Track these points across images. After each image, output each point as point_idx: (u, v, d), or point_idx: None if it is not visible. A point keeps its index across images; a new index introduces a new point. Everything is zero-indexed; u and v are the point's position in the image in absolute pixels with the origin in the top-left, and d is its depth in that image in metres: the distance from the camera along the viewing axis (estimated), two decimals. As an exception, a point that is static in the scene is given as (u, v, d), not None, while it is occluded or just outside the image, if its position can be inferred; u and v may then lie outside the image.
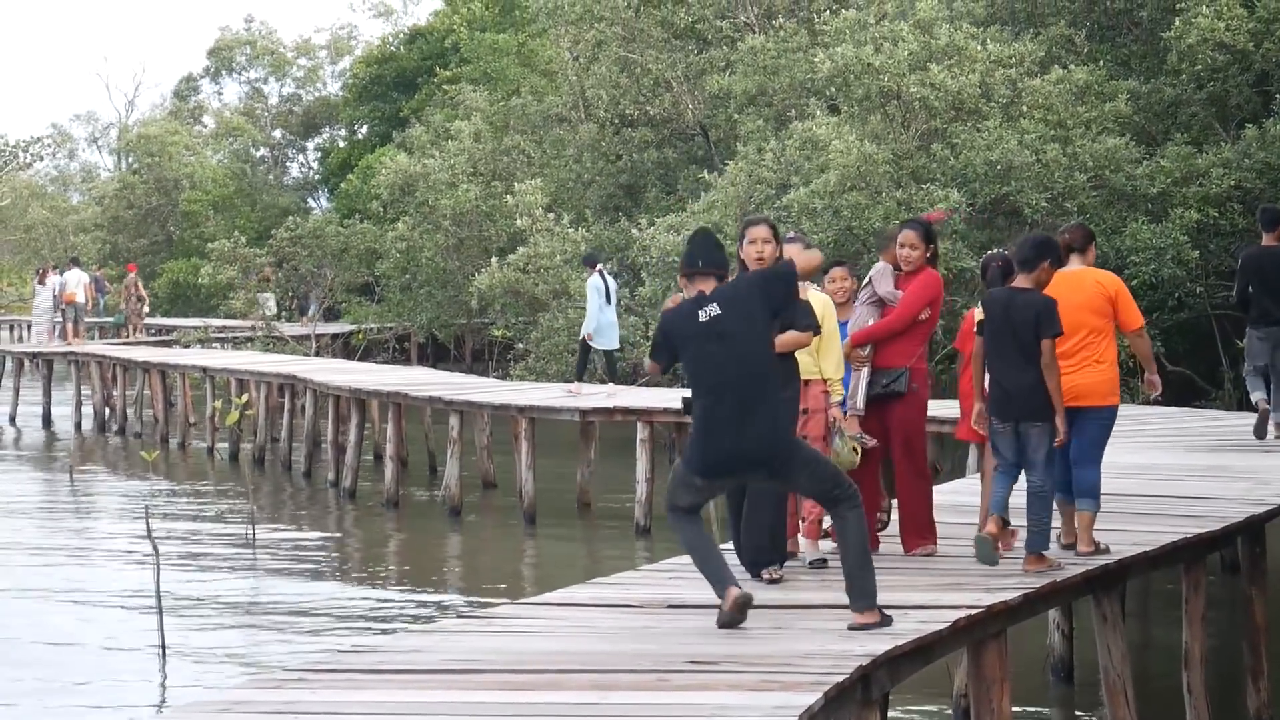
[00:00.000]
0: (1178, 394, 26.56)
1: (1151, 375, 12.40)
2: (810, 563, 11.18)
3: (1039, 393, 10.91)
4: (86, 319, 48.58)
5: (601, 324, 25.91)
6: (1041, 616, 12.86)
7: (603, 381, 27.85)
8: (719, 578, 9.38)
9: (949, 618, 9.49)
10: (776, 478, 9.52)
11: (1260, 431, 17.96)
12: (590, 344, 26.36)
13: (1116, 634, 11.90)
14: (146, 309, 53.47)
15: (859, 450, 11.23)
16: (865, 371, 11.58)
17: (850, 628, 9.19)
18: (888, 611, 9.32)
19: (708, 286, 9.51)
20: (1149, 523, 12.89)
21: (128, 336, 51.07)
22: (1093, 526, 11.57)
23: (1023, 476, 11.07)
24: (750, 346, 9.38)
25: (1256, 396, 17.97)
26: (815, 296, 11.10)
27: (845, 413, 11.33)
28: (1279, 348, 17.72)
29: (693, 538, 9.54)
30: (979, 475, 13.13)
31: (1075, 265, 11.81)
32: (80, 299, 46.75)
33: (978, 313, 11.59)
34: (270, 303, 49.51)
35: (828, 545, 11.34)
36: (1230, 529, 13.21)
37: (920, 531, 11.66)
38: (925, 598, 10.05)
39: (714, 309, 9.42)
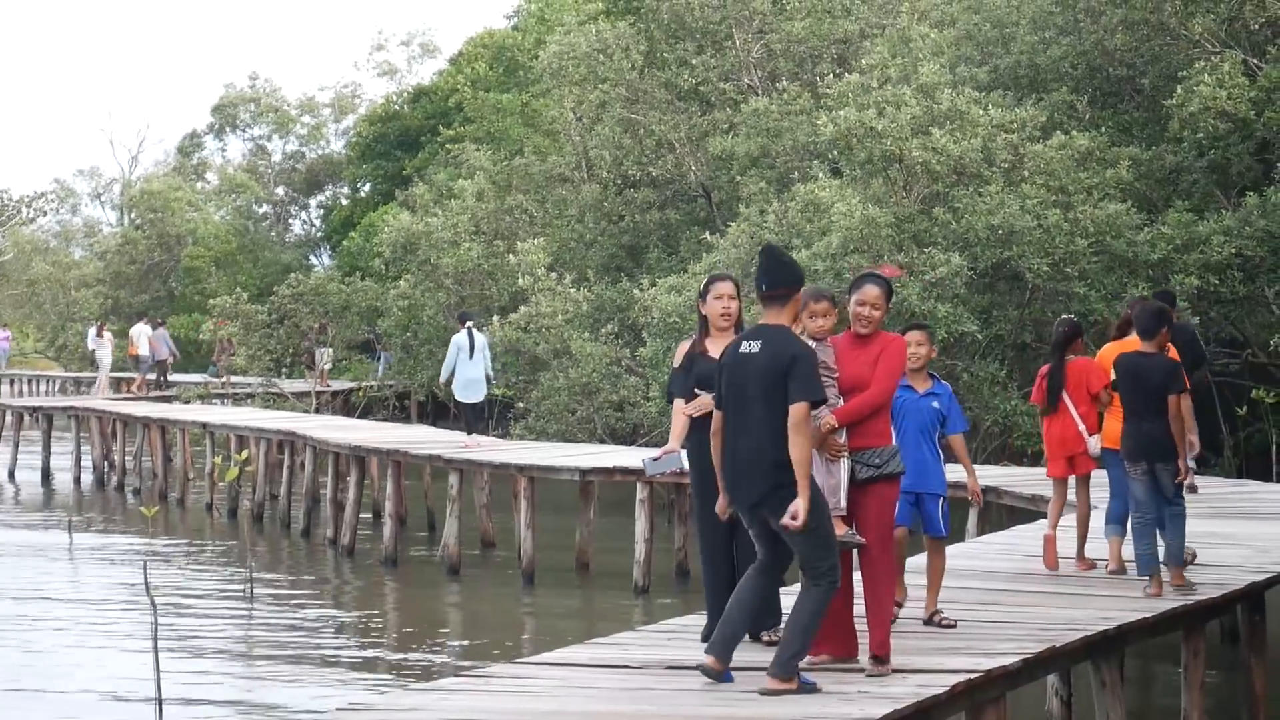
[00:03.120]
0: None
1: (1192, 436, 14.27)
2: None
3: (1168, 439, 12.81)
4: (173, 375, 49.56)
5: (462, 378, 27.03)
6: (1040, 681, 12.83)
7: (467, 433, 28.40)
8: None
9: (948, 682, 9.48)
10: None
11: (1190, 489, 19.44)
12: (459, 398, 27.74)
13: (1116, 700, 11.88)
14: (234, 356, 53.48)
15: None
16: (845, 463, 9.96)
17: (760, 691, 9.28)
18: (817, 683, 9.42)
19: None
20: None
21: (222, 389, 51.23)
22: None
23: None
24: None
25: None
26: None
27: (831, 510, 9.88)
28: None
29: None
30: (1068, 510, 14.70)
31: (1134, 335, 13.83)
32: (144, 352, 47.48)
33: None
34: (326, 358, 49.66)
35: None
36: (1230, 596, 13.20)
37: (886, 631, 10.03)
38: (924, 661, 10.03)
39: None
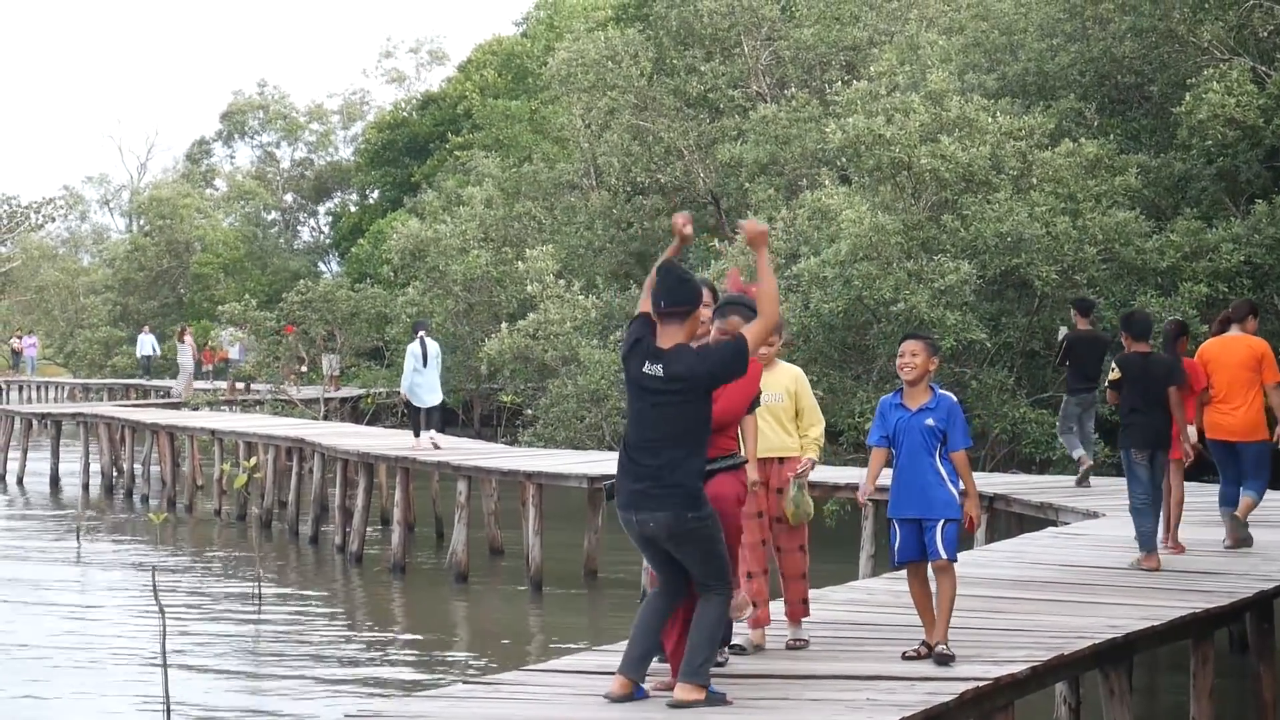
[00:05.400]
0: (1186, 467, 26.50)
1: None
2: (790, 643, 10.80)
3: (1167, 430, 14.51)
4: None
5: (415, 384, 28.45)
6: (1049, 690, 12.82)
7: (415, 434, 29.42)
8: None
9: (956, 689, 9.46)
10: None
11: (1083, 482, 21.24)
12: (411, 403, 29.10)
13: (1124, 708, 11.86)
14: (304, 368, 53.42)
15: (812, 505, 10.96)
16: None
17: (670, 704, 9.10)
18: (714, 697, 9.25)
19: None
20: (1157, 597, 12.87)
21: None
22: (1251, 511, 15.70)
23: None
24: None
25: (1078, 454, 21.22)
26: (786, 369, 10.97)
27: None
28: (1088, 410, 21.14)
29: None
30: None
31: (1234, 332, 15.89)
32: (234, 356, 48.00)
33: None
34: (334, 363, 49.67)
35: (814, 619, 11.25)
36: (1239, 604, 13.19)
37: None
38: (933, 669, 10.02)
39: None
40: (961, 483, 10.54)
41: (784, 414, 10.82)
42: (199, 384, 52.90)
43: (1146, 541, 14.46)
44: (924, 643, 10.44)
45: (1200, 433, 16.05)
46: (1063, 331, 22.09)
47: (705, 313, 9.84)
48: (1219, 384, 15.75)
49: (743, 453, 10.04)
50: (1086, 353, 21.09)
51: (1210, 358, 15.85)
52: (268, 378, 49.07)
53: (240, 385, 51.24)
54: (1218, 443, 15.92)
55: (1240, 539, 15.64)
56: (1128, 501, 14.85)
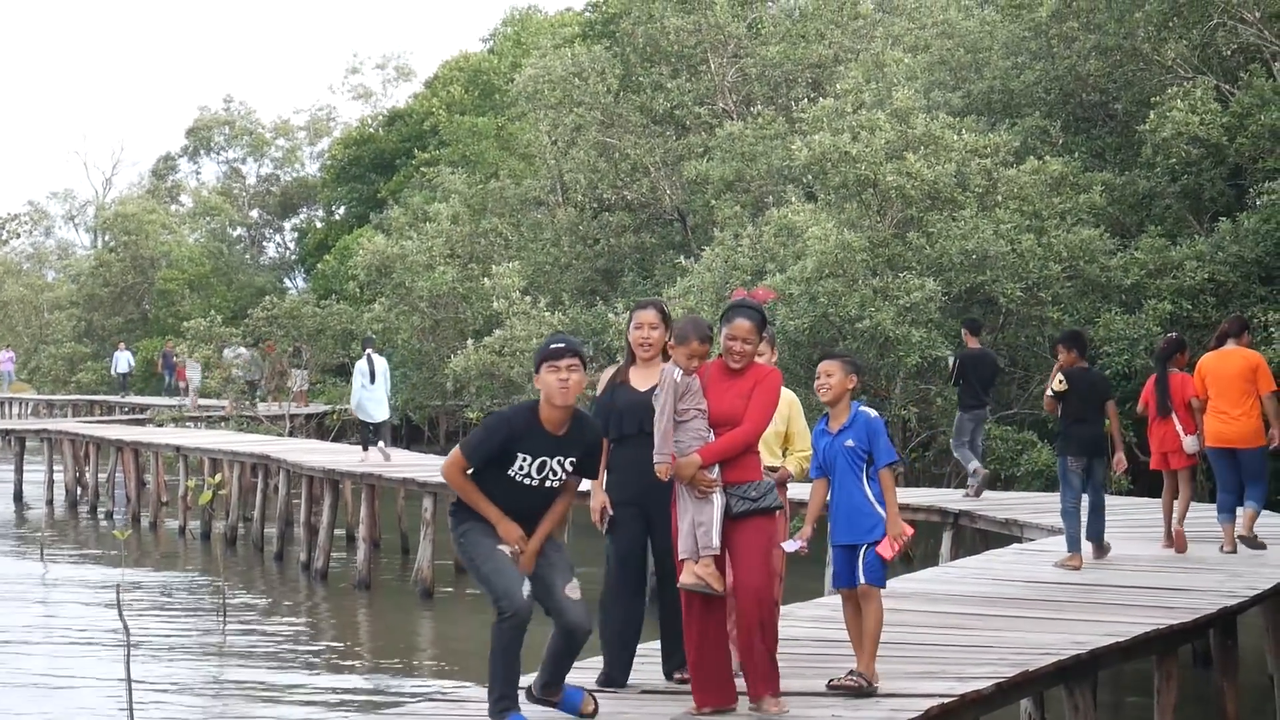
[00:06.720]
0: (1150, 485, 26.60)
1: (1275, 429, 16.40)
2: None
3: (1104, 438, 15.58)
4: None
5: (361, 400, 29.50)
6: (1014, 706, 12.85)
7: (363, 449, 30.42)
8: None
9: (921, 706, 9.47)
10: None
11: (979, 493, 22.12)
12: (360, 418, 30.16)
13: (1088, 724, 11.88)
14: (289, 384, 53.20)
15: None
16: (717, 499, 9.35)
17: None
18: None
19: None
20: (1121, 613, 12.90)
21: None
22: (1255, 521, 16.52)
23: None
24: None
25: (973, 466, 22.30)
26: (781, 394, 10.33)
27: (699, 555, 9.39)
28: (979, 425, 22.57)
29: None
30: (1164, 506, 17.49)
31: (1230, 346, 16.66)
32: (238, 373, 48.17)
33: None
34: (302, 379, 49.55)
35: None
36: (1202, 620, 13.22)
37: (769, 677, 9.46)
38: (897, 685, 10.02)
39: None
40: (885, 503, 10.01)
41: (773, 438, 10.52)
42: (202, 401, 52.79)
43: (1072, 544, 15.69)
44: (866, 682, 9.93)
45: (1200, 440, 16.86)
46: (951, 359, 23.34)
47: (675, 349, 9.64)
48: (1217, 394, 16.56)
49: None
50: (977, 370, 22.30)
51: (1208, 370, 16.64)
52: (235, 396, 48.89)
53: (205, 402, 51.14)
54: (1217, 451, 16.66)
55: (1258, 546, 16.52)
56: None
